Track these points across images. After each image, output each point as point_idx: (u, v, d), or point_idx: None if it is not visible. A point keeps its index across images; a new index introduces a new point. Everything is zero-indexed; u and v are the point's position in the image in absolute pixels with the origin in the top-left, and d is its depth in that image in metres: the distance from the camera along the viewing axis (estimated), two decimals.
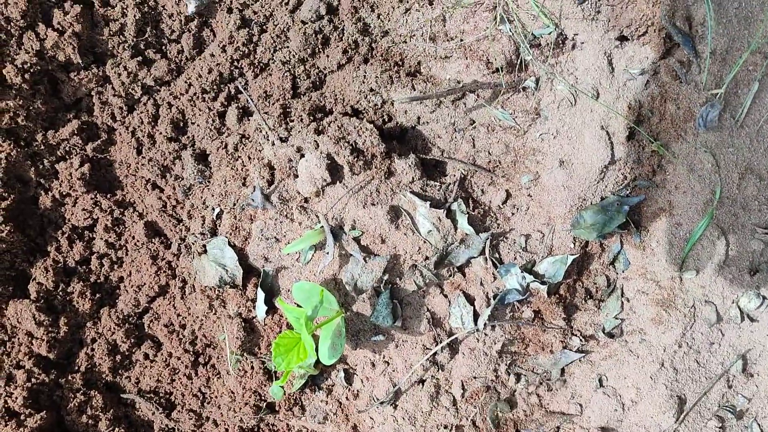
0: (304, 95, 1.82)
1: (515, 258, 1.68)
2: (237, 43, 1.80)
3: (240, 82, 1.84)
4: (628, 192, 1.65)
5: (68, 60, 1.79)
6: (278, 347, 1.55)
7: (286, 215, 1.70)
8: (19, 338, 1.79)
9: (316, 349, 1.62)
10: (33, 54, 1.75)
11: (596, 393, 1.67)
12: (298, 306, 1.62)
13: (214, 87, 1.83)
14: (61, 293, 1.82)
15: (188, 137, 1.86)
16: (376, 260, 1.64)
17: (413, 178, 1.64)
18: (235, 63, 1.82)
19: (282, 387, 1.75)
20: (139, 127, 1.85)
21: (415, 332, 1.66)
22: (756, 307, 1.63)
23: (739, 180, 1.60)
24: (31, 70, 1.76)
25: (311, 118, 1.73)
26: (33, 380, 1.77)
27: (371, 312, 1.65)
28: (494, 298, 1.64)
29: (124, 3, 1.81)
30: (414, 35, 1.75)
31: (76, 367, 1.84)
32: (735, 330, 1.65)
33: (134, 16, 1.80)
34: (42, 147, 1.82)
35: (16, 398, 1.74)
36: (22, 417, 1.74)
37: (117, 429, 1.82)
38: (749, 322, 1.65)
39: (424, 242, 1.63)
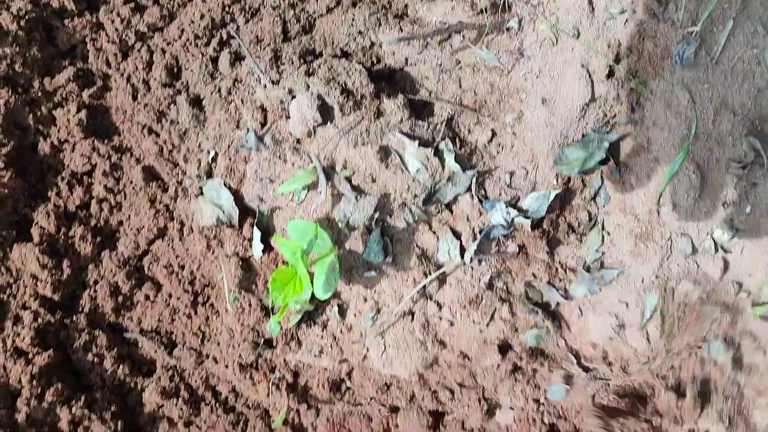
0: (294, 39, 1.86)
1: (500, 194, 1.75)
2: None
3: (232, 27, 1.88)
4: (608, 129, 1.72)
5: (62, 6, 1.83)
6: (275, 282, 1.62)
7: (279, 156, 1.76)
8: (24, 281, 1.86)
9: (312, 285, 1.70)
10: (28, 1, 1.78)
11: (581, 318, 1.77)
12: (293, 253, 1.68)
13: (207, 32, 1.87)
14: (63, 237, 1.89)
15: (182, 83, 1.90)
16: (367, 199, 1.70)
17: (402, 119, 1.70)
18: (227, 8, 1.86)
19: (279, 322, 1.82)
20: (133, 73, 1.90)
21: (405, 267, 1.74)
22: (729, 239, 1.71)
23: (714, 116, 1.67)
24: (26, 17, 1.80)
25: (302, 60, 1.78)
26: (39, 320, 1.84)
27: (363, 249, 1.72)
28: (480, 233, 1.71)
29: None
30: None
31: (80, 308, 1.91)
32: (710, 261, 1.73)
33: None
34: (39, 94, 1.87)
35: (24, 338, 1.81)
36: (30, 356, 1.81)
37: (122, 366, 1.90)
38: (723, 253, 1.73)
39: (413, 180, 1.70)
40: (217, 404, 1.96)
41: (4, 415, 1.75)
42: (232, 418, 1.96)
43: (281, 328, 1.84)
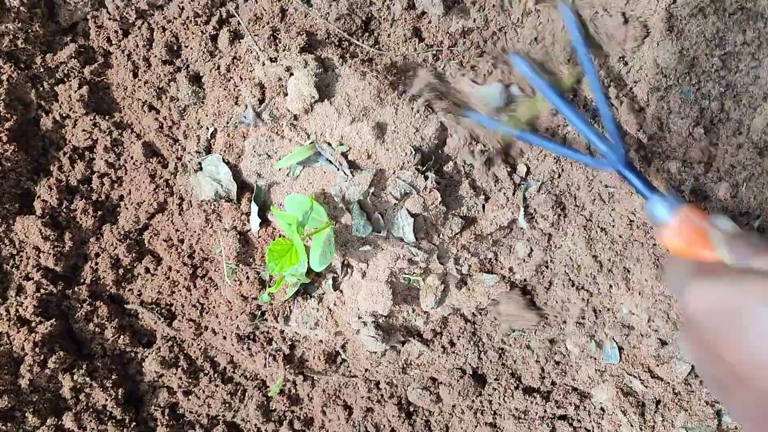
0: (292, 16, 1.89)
1: None
2: None
3: (231, 6, 1.91)
4: None
5: None
6: (272, 253, 1.67)
7: (277, 132, 1.79)
8: (26, 252, 1.90)
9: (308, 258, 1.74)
10: None
11: None
12: (289, 224, 1.72)
13: (207, 10, 1.90)
14: (65, 210, 1.93)
15: (182, 60, 1.93)
16: (362, 174, 1.74)
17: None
18: None
19: (270, 294, 1.87)
20: (134, 50, 1.93)
21: (398, 241, 1.78)
22: None
23: None
24: None
25: (299, 39, 1.81)
26: (42, 290, 1.89)
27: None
28: None
29: None
30: None
31: (82, 280, 1.95)
32: None
33: None
34: (41, 70, 1.90)
35: (27, 307, 1.86)
36: (33, 324, 1.86)
37: (122, 336, 1.95)
38: None
39: (406, 155, 1.74)
40: (216, 374, 2.02)
41: (7, 381, 1.80)
42: (231, 388, 2.02)
43: (272, 299, 1.88)
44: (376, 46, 1.88)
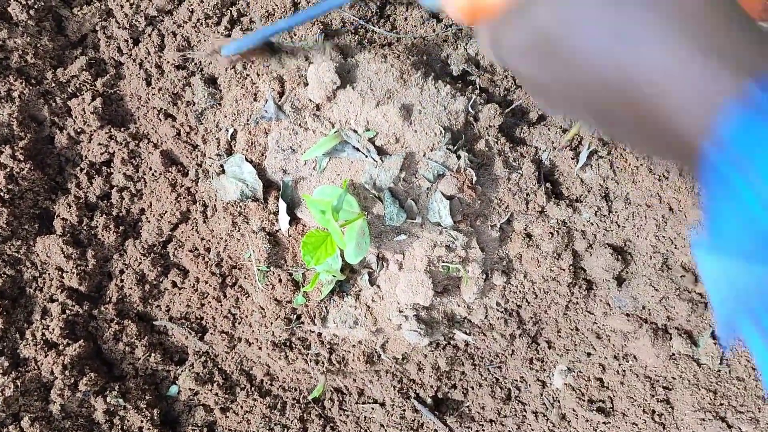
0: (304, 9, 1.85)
1: None
2: None
3: (242, 5, 1.87)
4: None
5: None
6: (306, 246, 1.59)
7: (300, 124, 1.73)
8: (49, 273, 1.83)
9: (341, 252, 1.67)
10: None
11: None
12: (322, 212, 1.65)
13: (217, 11, 1.86)
14: (85, 228, 1.86)
15: (195, 64, 1.88)
16: (392, 159, 1.68)
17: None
18: None
19: (305, 294, 1.79)
20: (146, 58, 1.88)
21: (434, 227, 1.71)
22: None
23: None
24: (35, 6, 1.79)
25: (315, 28, 1.77)
26: (67, 312, 1.81)
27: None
28: None
29: None
30: None
31: (108, 299, 1.88)
32: None
33: None
34: (53, 85, 1.85)
35: (53, 329, 1.78)
36: (61, 347, 1.78)
37: (153, 354, 1.86)
38: None
39: (435, 135, 1.67)
40: (253, 388, 1.93)
41: (38, 408, 1.72)
42: (269, 401, 1.92)
43: (307, 299, 1.79)
44: (394, 31, 1.83)
